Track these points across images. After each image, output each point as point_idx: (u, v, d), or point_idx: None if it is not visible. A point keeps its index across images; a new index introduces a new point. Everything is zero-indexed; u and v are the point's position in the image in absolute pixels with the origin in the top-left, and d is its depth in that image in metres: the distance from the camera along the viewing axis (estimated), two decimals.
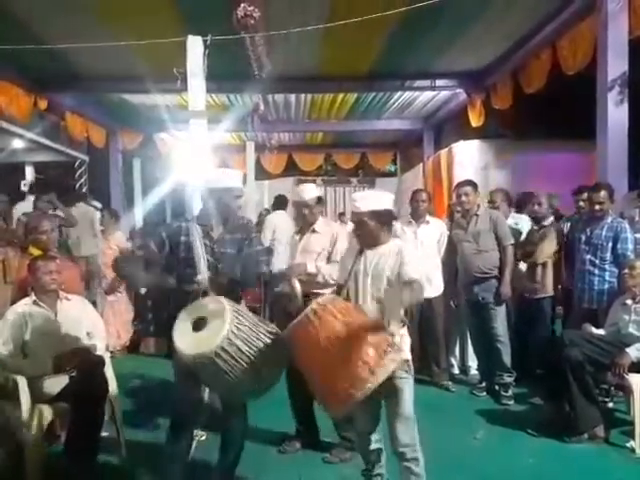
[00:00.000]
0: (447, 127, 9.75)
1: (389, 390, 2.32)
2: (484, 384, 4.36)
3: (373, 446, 2.50)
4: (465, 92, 7.16)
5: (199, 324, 2.34)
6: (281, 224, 5.83)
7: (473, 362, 4.67)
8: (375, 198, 2.51)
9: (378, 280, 2.41)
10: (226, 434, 2.75)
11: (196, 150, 4.71)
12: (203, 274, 2.61)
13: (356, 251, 2.53)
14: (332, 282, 3.03)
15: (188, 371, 2.41)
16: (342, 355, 2.06)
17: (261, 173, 10.57)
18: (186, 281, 2.66)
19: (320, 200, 3.46)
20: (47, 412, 2.99)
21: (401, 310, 2.28)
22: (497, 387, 4.23)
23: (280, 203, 6.47)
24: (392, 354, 2.10)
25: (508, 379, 4.17)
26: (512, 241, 4.24)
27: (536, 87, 5.69)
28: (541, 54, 5.47)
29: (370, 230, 2.46)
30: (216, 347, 2.19)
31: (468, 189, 4.25)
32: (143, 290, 5.57)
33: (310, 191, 3.38)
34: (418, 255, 2.58)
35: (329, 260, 3.25)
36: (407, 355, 2.39)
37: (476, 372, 4.59)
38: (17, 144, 8.61)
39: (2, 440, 2.72)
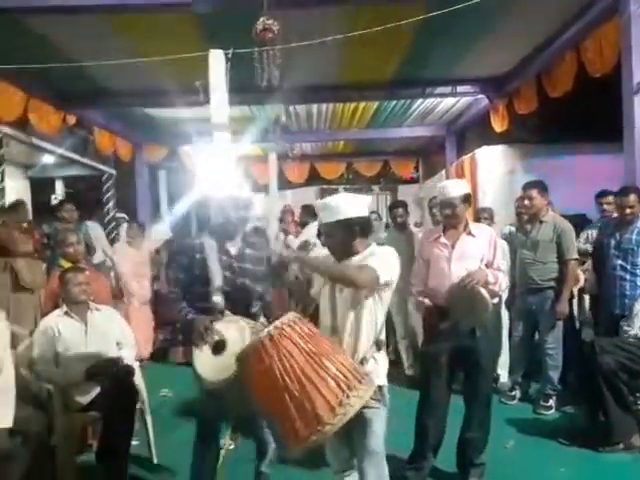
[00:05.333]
0: (470, 133, 9.69)
1: (356, 421, 2.01)
2: (514, 393, 4.30)
3: None
4: (487, 97, 7.11)
5: (219, 347, 2.30)
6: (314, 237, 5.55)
7: (502, 370, 4.58)
8: (345, 205, 2.19)
9: (350, 296, 2.14)
10: (259, 444, 2.76)
11: (219, 162, 4.80)
12: (219, 295, 2.50)
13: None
14: (501, 293, 2.90)
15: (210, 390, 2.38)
16: (299, 391, 1.79)
17: (284, 183, 10.64)
18: (202, 300, 2.53)
19: (469, 199, 3.02)
20: (79, 420, 3.06)
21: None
22: (535, 396, 4.16)
23: (309, 214, 5.96)
24: (361, 389, 1.83)
25: (551, 392, 4.09)
26: (576, 256, 4.02)
27: (562, 91, 5.61)
28: (565, 57, 5.41)
29: (340, 241, 2.22)
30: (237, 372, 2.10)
31: (533, 192, 4.01)
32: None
33: (458, 188, 3.01)
34: (393, 260, 2.20)
35: (490, 268, 2.92)
36: (382, 381, 2.17)
37: (505, 381, 4.51)
38: (47, 159, 8.85)
39: (36, 448, 2.77)
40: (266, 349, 1.84)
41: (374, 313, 2.16)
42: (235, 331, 2.28)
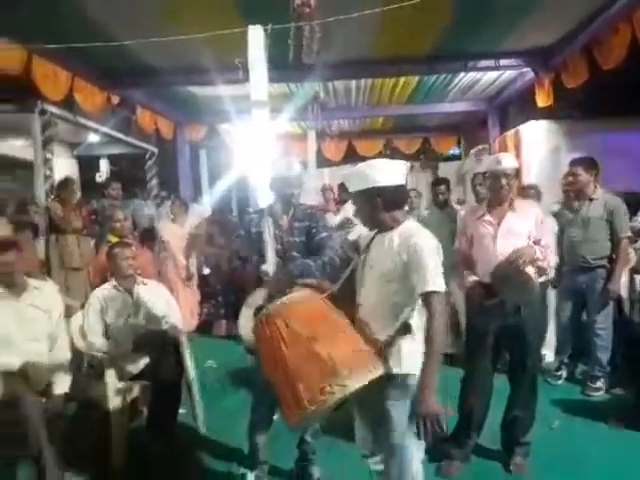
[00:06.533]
0: (513, 108, 9.38)
1: (377, 409, 1.99)
2: (560, 373, 4.24)
3: (373, 468, 2.27)
4: (533, 71, 6.86)
5: (258, 311, 2.35)
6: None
7: (548, 350, 4.48)
8: (374, 172, 2.02)
9: (379, 273, 2.03)
10: None
11: (258, 140, 4.81)
12: (269, 265, 2.67)
13: (369, 238, 2.16)
14: (549, 271, 2.87)
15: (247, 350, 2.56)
16: (285, 371, 1.79)
17: (321, 161, 10.60)
18: (256, 270, 2.72)
19: (518, 174, 2.99)
20: (130, 389, 3.19)
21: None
22: (584, 377, 4.10)
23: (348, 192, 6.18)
24: (348, 379, 1.74)
25: (599, 373, 4.01)
26: (629, 233, 3.92)
27: (615, 62, 5.35)
28: (618, 27, 5.15)
29: (369, 213, 2.08)
30: None
31: (578, 169, 3.92)
32: (207, 271, 5.80)
33: (509, 161, 2.94)
34: (439, 255, 2.00)
35: (538, 246, 2.84)
36: (406, 369, 1.97)
37: (551, 360, 4.43)
38: (93, 138, 9.07)
39: (90, 413, 2.91)
40: (263, 327, 1.88)
41: (402, 297, 2.00)
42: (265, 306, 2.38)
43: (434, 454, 3.00)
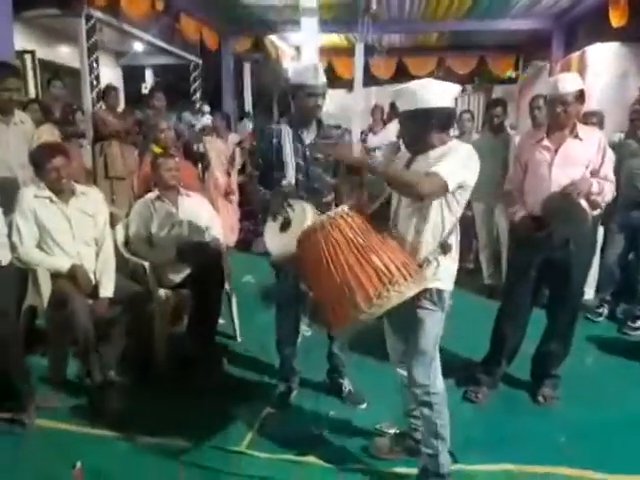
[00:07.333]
0: (582, 27, 8.60)
1: (410, 319, 2.08)
2: (602, 310, 4.16)
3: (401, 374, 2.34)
4: None
5: (284, 225, 2.44)
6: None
7: (588, 287, 4.37)
8: (426, 92, 1.97)
9: None
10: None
11: (306, 52, 4.61)
12: (290, 178, 2.61)
13: (406, 158, 2.15)
14: (604, 205, 2.74)
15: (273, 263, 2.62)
16: (342, 278, 1.85)
17: (368, 78, 10.14)
18: (277, 184, 2.63)
19: (582, 96, 2.68)
20: (172, 297, 3.31)
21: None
22: (625, 316, 4.01)
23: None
24: (404, 285, 1.81)
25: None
26: None
27: None
28: None
29: (415, 133, 2.05)
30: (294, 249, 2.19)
31: None
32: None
33: (572, 82, 2.66)
34: (470, 162, 1.99)
35: (595, 176, 2.69)
36: (443, 285, 2.05)
37: (590, 297, 4.33)
38: (137, 47, 8.93)
39: (134, 318, 3.05)
40: (316, 235, 1.92)
41: (440, 215, 2.01)
42: (300, 213, 2.38)
43: (462, 379, 3.06)
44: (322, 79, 2.59)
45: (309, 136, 2.68)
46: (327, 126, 2.74)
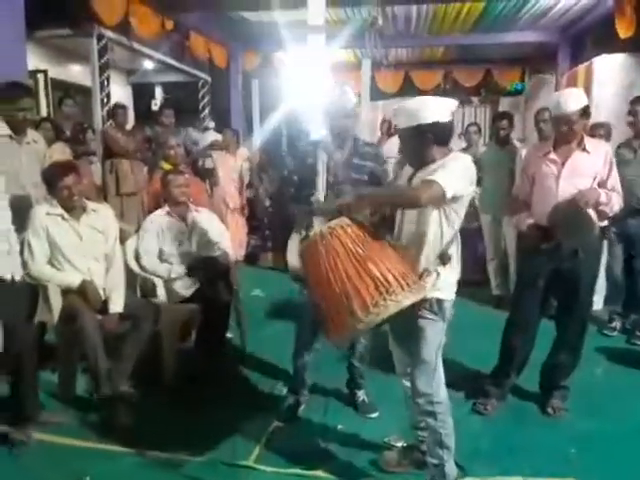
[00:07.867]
0: (588, 39, 8.63)
1: (411, 328, 2.11)
2: (615, 324, 4.13)
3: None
4: None
5: (304, 240, 2.42)
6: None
7: (597, 297, 4.35)
8: (423, 108, 2.02)
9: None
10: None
11: (313, 68, 4.67)
12: (320, 194, 2.65)
13: (410, 172, 2.20)
14: (611, 215, 2.78)
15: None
16: (340, 288, 1.85)
17: (375, 93, 10.23)
18: (307, 202, 2.68)
19: (586, 111, 2.72)
20: (181, 311, 3.34)
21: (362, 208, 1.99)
22: (631, 327, 3.98)
23: None
24: (401, 294, 1.81)
25: None
26: None
27: None
28: None
29: (415, 149, 2.11)
30: None
31: (638, 107, 3.75)
32: (267, 202, 5.90)
33: (576, 100, 2.67)
34: (467, 172, 2.04)
35: (603, 187, 2.72)
36: (443, 295, 2.09)
37: (598, 308, 4.29)
38: (147, 65, 9.08)
39: (143, 333, 3.07)
40: (317, 246, 1.94)
41: (440, 226, 2.05)
42: (318, 226, 2.39)
43: (471, 391, 3.06)
44: (352, 100, 2.69)
45: (343, 153, 2.73)
46: (362, 144, 2.79)
